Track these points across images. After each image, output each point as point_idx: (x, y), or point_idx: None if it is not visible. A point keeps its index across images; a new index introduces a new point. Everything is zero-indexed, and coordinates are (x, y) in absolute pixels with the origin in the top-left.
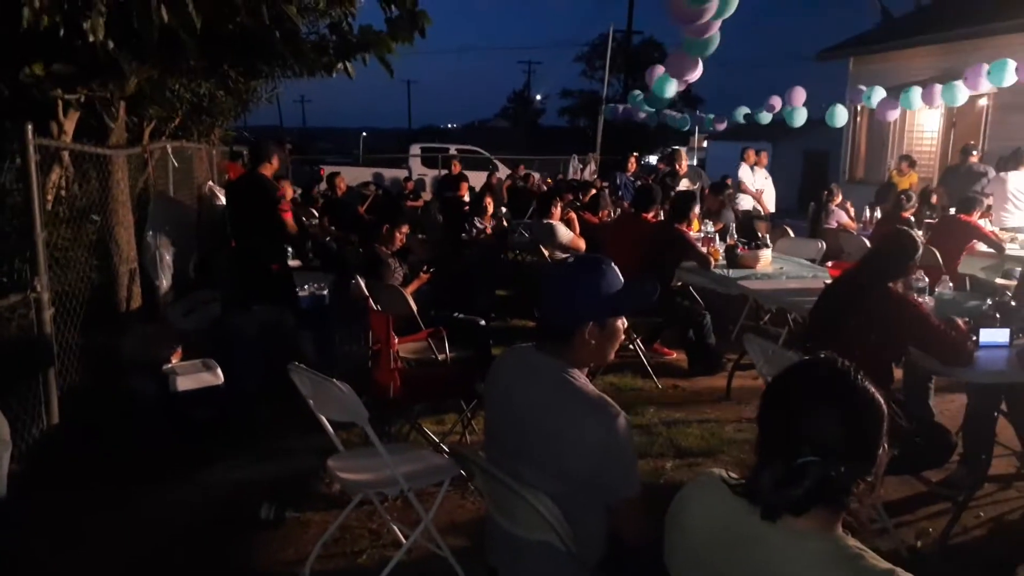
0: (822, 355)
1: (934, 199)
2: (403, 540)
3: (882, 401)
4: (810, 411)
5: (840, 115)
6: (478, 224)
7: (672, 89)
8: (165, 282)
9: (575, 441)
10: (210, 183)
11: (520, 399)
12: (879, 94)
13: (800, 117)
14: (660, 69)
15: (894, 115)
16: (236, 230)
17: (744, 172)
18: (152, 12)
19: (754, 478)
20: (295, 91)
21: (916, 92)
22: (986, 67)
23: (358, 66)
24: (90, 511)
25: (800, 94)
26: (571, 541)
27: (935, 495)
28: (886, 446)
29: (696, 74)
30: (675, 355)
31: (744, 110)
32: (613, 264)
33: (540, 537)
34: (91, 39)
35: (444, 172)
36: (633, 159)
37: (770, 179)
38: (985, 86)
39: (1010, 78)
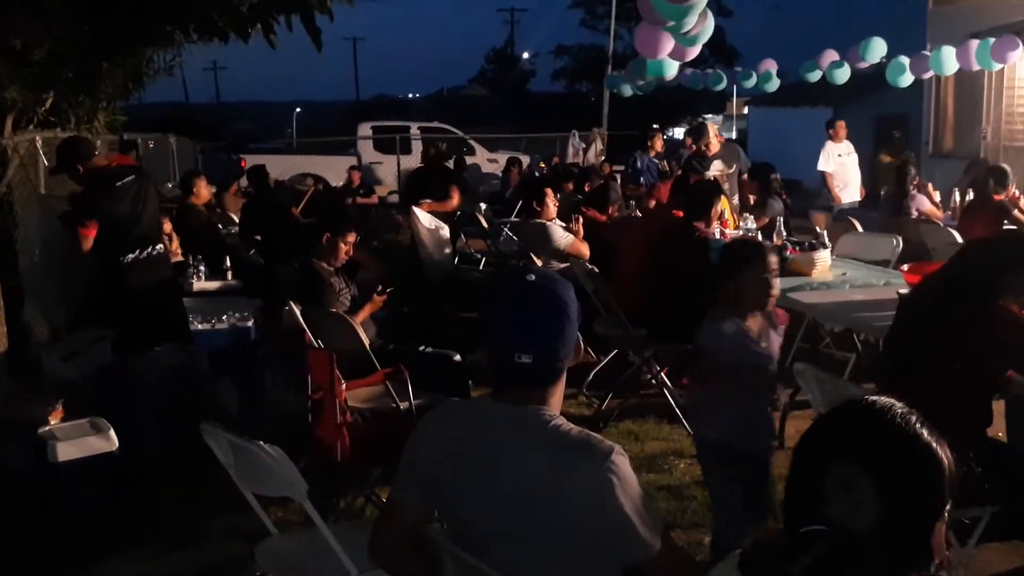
0: (871, 397)
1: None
2: None
3: (943, 457)
4: (829, 469)
5: (948, 60)
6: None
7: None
8: (39, 317)
9: (563, 500)
10: None
11: (511, 473)
12: (949, 57)
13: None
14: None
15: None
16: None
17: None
18: None
19: (754, 548)
20: (204, 57)
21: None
22: None
23: (285, 29)
24: None
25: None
26: None
27: None
28: (946, 514)
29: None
30: None
31: (773, 68)
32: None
33: None
34: None
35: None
36: (659, 137)
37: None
38: None
39: None
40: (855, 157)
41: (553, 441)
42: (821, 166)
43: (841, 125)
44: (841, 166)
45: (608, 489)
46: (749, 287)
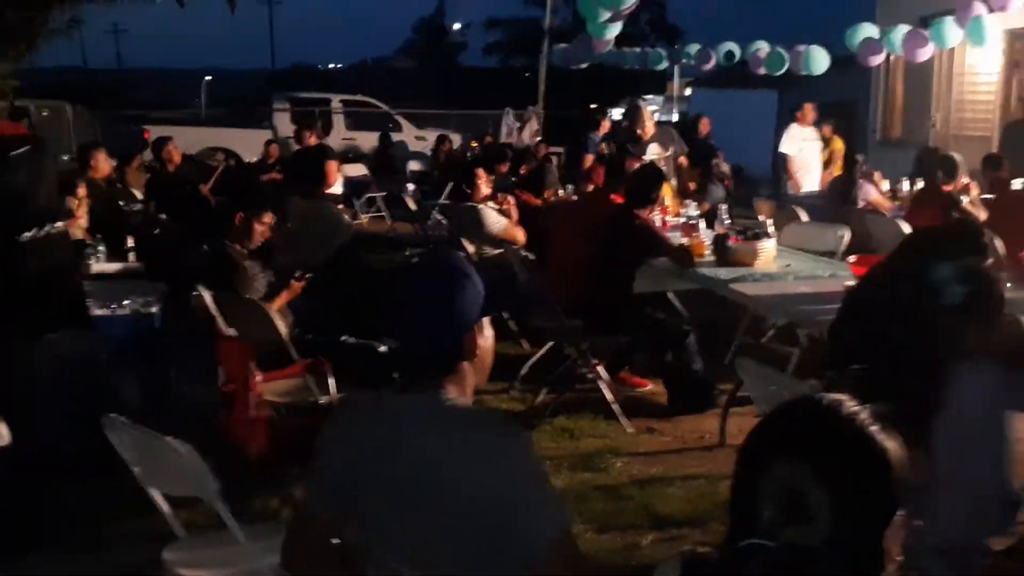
0: (819, 394)
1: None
2: None
3: (895, 455)
4: (773, 471)
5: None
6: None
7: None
8: None
9: (464, 482)
10: None
11: (412, 464)
12: (901, 34)
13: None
14: None
15: (925, 55)
16: None
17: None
18: None
19: (691, 564)
20: (105, 18)
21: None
22: None
23: None
24: None
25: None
26: None
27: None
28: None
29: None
30: (650, 386)
31: (729, 46)
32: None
33: None
34: None
35: (297, 147)
36: (607, 120)
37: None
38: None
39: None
40: (819, 144)
41: (447, 422)
42: (784, 148)
43: (809, 108)
44: (804, 151)
45: (506, 462)
46: (1011, 329)
